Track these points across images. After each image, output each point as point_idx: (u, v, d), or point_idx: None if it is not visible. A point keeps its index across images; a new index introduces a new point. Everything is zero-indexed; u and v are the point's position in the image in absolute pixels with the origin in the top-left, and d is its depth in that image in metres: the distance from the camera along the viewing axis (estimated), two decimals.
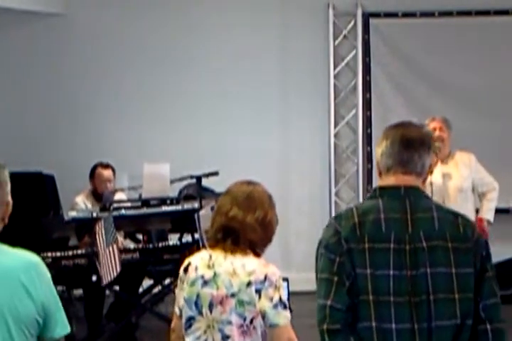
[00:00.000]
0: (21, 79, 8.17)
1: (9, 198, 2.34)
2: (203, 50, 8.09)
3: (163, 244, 6.14)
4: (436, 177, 5.53)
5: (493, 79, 7.80)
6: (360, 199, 7.55)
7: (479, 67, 7.82)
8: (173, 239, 6.32)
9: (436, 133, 5.59)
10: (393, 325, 2.40)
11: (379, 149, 2.59)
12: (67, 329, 2.36)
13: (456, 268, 2.43)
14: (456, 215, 2.53)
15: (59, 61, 8.16)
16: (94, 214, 5.79)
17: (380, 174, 2.61)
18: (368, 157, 7.98)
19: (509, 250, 7.37)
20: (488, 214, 5.68)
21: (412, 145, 2.54)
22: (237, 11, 8.10)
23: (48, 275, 2.36)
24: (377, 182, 2.66)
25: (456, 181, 5.56)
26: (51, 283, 2.36)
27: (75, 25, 8.12)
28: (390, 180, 2.56)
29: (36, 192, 7.30)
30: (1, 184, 2.31)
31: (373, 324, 2.40)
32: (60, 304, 2.37)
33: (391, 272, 2.41)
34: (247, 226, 2.96)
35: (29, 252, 2.36)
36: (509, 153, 7.72)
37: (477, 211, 5.70)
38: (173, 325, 3.12)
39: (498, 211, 5.92)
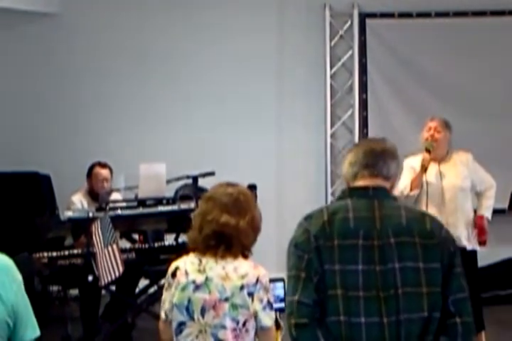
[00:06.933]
0: (17, 79, 8.14)
1: None
2: (199, 51, 8.07)
3: (160, 244, 6.14)
4: (432, 177, 5.54)
5: (490, 79, 7.81)
6: None
7: (476, 68, 7.82)
8: (169, 239, 6.32)
9: (431, 132, 5.61)
10: (362, 319, 2.43)
11: (345, 163, 2.72)
12: (37, 332, 2.37)
13: (423, 262, 2.48)
14: (423, 214, 2.62)
15: (54, 61, 8.13)
16: (91, 214, 5.78)
17: (348, 185, 2.70)
18: None
19: (505, 251, 7.38)
20: (487, 211, 5.69)
21: (375, 153, 2.67)
22: (233, 10, 8.08)
23: (20, 277, 2.35)
24: None
25: (456, 181, 5.55)
26: (22, 285, 2.36)
27: (70, 25, 8.09)
28: (358, 183, 2.66)
29: (32, 192, 7.29)
30: None
31: (342, 318, 2.44)
32: (29, 307, 2.37)
33: (360, 267, 2.46)
34: (241, 232, 2.96)
35: (1, 254, 2.36)
36: (506, 154, 7.72)
37: (474, 210, 5.70)
38: (160, 327, 3.11)
39: (495, 211, 5.90)
